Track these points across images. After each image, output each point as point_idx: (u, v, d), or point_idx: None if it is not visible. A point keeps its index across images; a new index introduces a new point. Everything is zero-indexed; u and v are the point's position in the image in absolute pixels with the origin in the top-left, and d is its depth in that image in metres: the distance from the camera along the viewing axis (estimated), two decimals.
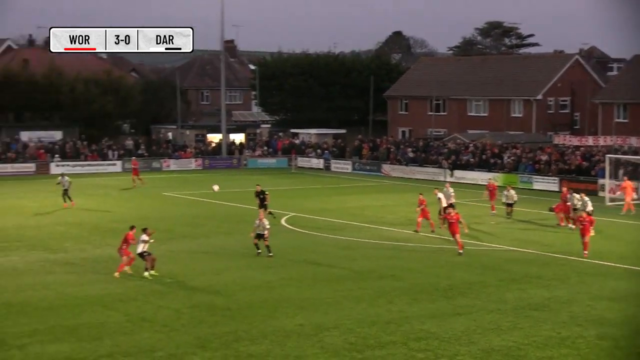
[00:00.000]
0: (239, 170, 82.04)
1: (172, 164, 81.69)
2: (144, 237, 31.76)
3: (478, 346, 23.25)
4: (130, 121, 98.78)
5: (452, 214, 37.53)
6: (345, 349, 22.93)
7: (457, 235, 36.87)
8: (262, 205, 45.42)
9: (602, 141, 73.24)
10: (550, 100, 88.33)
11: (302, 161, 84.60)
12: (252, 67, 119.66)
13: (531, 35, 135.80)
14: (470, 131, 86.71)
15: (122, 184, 65.59)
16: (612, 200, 54.74)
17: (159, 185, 66.67)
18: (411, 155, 77.38)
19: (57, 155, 78.23)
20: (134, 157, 72.66)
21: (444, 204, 44.26)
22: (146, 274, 31.78)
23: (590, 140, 74.33)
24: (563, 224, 45.20)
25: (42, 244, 39.30)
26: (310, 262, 35.17)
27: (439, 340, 23.75)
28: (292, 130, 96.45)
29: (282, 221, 46.76)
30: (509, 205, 48.50)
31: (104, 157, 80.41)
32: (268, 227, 36.04)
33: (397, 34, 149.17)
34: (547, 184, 63.87)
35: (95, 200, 56.53)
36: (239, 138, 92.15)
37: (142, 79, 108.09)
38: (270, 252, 35.70)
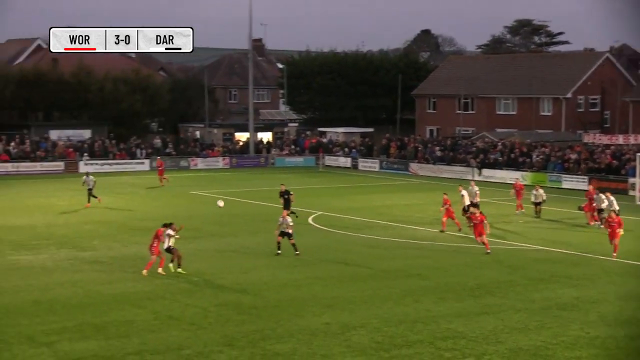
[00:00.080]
0: (266, 168, 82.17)
1: (200, 163, 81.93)
2: (170, 232, 31.87)
3: (506, 345, 23.11)
4: (158, 120, 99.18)
5: (477, 215, 37.29)
6: (372, 347, 22.86)
7: (484, 237, 36.67)
8: (287, 205, 45.50)
9: (632, 139, 72.78)
10: (580, 99, 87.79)
11: (329, 160, 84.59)
12: (280, 65, 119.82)
13: (561, 33, 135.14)
14: (498, 130, 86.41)
15: (150, 182, 65.84)
16: None
17: (187, 183, 66.91)
18: (439, 154, 77.17)
19: (85, 154, 78.65)
20: (159, 157, 72.91)
21: (467, 202, 44.35)
22: (171, 264, 32.01)
23: (620, 139, 73.88)
24: (592, 223, 44.93)
25: (71, 242, 39.49)
26: (337, 261, 35.13)
27: (466, 339, 23.63)
28: (320, 129, 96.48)
29: (310, 220, 46.78)
30: (538, 204, 48.27)
31: (132, 156, 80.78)
32: (291, 224, 36.04)
33: (426, 32, 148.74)
34: (576, 182, 63.52)
35: (123, 198, 56.81)
36: (266, 137, 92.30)
37: (170, 78, 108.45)
38: (297, 251, 35.71)
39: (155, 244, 31.88)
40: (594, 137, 76.70)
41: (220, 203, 32.43)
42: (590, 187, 48.60)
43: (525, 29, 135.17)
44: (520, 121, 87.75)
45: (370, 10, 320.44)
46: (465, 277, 31.88)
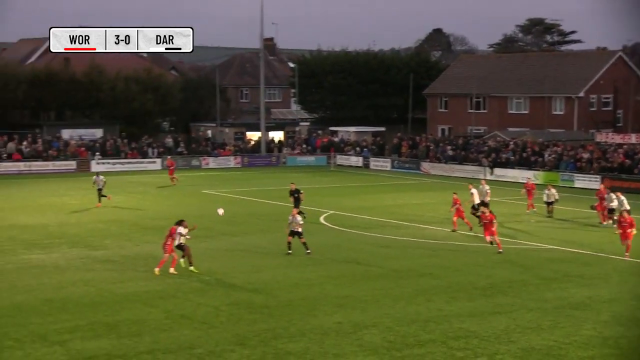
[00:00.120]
0: (277, 168, 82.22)
1: (212, 162, 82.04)
2: (181, 229, 31.91)
3: (518, 345, 23.06)
4: (170, 119, 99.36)
5: (487, 214, 37.20)
6: (384, 347, 22.84)
7: (495, 236, 36.62)
8: (297, 203, 45.59)
9: None
10: (593, 98, 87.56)
11: (341, 159, 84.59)
12: (291, 65, 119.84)
13: (573, 32, 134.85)
14: (510, 129, 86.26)
15: (162, 181, 65.94)
16: None
17: (198, 183, 66.99)
18: (451, 153, 77.09)
19: (97, 153, 78.83)
20: (169, 157, 73.02)
21: (477, 201, 44.35)
22: (182, 260, 32.08)
23: (633, 138, 73.69)
24: (604, 222, 44.82)
25: (83, 241, 39.59)
26: (349, 260, 35.12)
27: (479, 339, 23.59)
28: (331, 128, 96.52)
29: (321, 219, 46.80)
30: (550, 204, 48.18)
31: (144, 155, 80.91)
32: (301, 222, 36.03)
33: (437, 31, 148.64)
34: (588, 182, 63.36)
35: (134, 197, 56.92)
36: (278, 136, 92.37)
37: (182, 77, 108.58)
38: (308, 249, 35.74)
39: (169, 242, 31.92)
40: (606, 136, 76.52)
41: (220, 211, 32.46)
42: (601, 187, 48.46)
43: (537, 27, 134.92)
44: (533, 120, 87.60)
45: (381, 9, 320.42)
46: (477, 276, 31.84)
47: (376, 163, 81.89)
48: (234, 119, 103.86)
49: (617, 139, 74.16)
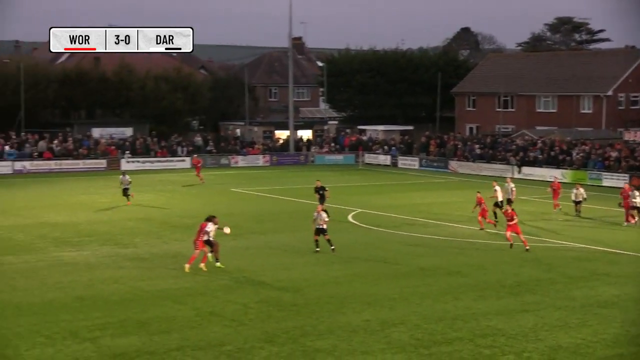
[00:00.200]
0: (306, 166, 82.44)
1: (240, 161, 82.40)
2: (210, 225, 32.11)
3: (545, 343, 23.05)
4: (199, 118, 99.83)
5: (509, 211, 37.14)
6: (411, 344, 22.90)
7: (520, 235, 36.59)
8: (322, 200, 45.84)
9: None
10: (621, 96, 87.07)
11: (369, 158, 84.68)
12: (320, 64, 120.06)
13: (602, 31, 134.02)
14: (538, 127, 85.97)
15: (191, 180, 66.25)
16: None
17: (227, 181, 67.32)
18: (478, 151, 76.99)
19: (127, 152, 79.37)
20: (195, 155, 73.32)
21: (500, 198, 44.36)
22: (210, 255, 32.29)
23: None
24: (634, 221, 44.67)
25: (113, 239, 39.90)
26: (377, 258, 35.24)
27: (506, 336, 23.62)
28: (360, 127, 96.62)
29: (349, 217, 46.93)
30: (578, 203, 48.04)
31: (174, 154, 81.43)
32: (327, 219, 36.05)
33: (465, 30, 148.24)
34: (616, 180, 63.05)
35: (164, 196, 57.29)
36: (306, 134, 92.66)
37: (211, 76, 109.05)
38: (332, 246, 35.81)
39: (199, 238, 32.13)
40: (634, 135, 76.06)
41: (227, 230, 32.74)
42: (626, 185, 48.27)
43: (565, 26, 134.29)
44: (560, 119, 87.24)
45: (410, 8, 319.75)
46: (505, 274, 31.85)
47: (404, 162, 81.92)
48: (262, 117, 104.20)
49: None
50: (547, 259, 35.19)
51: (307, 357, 21.81)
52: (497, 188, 45.18)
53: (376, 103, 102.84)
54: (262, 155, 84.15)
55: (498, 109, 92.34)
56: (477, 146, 78.16)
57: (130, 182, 52.03)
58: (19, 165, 74.18)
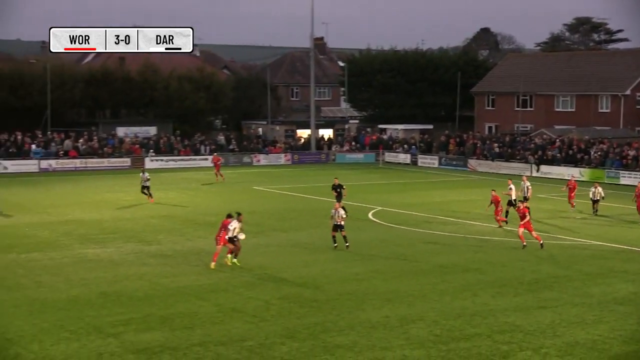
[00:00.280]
0: (327, 165, 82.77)
1: (262, 159, 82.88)
2: (234, 223, 32.46)
3: (563, 339, 23.21)
4: (222, 117, 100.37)
5: (521, 208, 37.33)
6: (430, 340, 23.10)
7: (532, 232, 36.74)
8: (339, 198, 46.22)
9: None
10: (639, 96, 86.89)
11: (389, 156, 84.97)
12: (341, 64, 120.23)
13: (620, 31, 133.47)
14: (557, 126, 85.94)
15: (213, 178, 66.63)
16: None
17: (249, 179, 67.73)
18: (497, 150, 77.15)
19: (151, 150, 79.98)
20: (215, 154, 73.72)
21: (514, 196, 44.48)
22: (229, 256, 32.51)
23: None
24: None
25: (137, 236, 40.28)
26: (396, 255, 35.51)
27: (524, 333, 23.82)
28: (380, 126, 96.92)
29: (369, 215, 47.24)
30: (596, 202, 48.10)
31: (197, 152, 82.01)
32: (344, 216, 36.27)
33: (485, 30, 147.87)
34: (634, 179, 63.03)
35: (187, 194, 57.75)
36: (327, 133, 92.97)
37: (234, 76, 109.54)
38: (347, 243, 36.10)
39: (221, 234, 32.41)
40: None
41: (242, 236, 32.96)
42: (639, 184, 48.38)
43: (584, 26, 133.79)
44: (579, 118, 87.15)
45: (430, 8, 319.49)
46: (523, 271, 32.07)
47: (424, 160, 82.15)
48: (284, 117, 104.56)
49: None
50: (564, 256, 35.39)
51: (327, 353, 22.03)
52: (512, 186, 45.29)
53: (396, 103, 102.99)
54: (283, 154, 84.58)
55: (517, 108, 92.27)
56: (496, 145, 78.28)
57: (148, 179, 52.39)
58: (45, 163, 74.94)
